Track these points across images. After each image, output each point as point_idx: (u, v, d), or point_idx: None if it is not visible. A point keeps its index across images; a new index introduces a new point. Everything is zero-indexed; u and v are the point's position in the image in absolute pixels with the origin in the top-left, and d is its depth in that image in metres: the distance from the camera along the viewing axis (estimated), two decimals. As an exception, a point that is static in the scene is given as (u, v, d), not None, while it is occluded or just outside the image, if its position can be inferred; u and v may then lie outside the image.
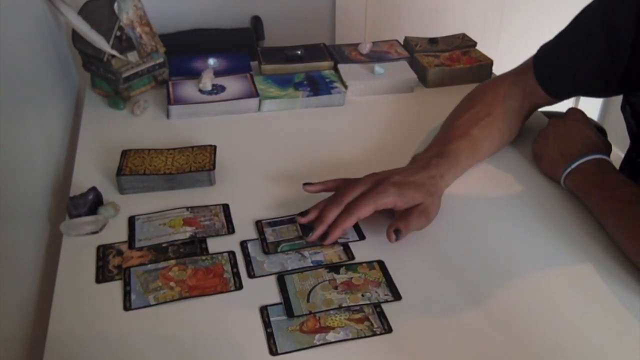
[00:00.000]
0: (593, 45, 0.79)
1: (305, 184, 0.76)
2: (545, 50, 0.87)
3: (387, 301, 0.64)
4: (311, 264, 0.69)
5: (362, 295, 0.64)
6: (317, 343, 0.59)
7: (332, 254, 0.70)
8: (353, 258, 0.70)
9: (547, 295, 0.66)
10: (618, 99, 0.86)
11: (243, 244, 0.72)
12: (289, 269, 0.68)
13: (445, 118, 0.90)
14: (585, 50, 0.81)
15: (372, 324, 0.61)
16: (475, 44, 1.21)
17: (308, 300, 0.64)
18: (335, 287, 0.66)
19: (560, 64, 0.85)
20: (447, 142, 0.82)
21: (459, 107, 0.90)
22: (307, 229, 0.72)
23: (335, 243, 0.72)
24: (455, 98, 0.93)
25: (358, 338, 0.60)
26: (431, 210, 0.73)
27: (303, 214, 0.72)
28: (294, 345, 0.59)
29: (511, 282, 0.67)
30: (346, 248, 0.71)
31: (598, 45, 0.78)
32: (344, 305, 0.63)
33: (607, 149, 0.82)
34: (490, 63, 1.14)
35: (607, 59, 0.78)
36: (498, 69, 1.13)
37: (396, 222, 0.70)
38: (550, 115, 0.96)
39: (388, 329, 0.61)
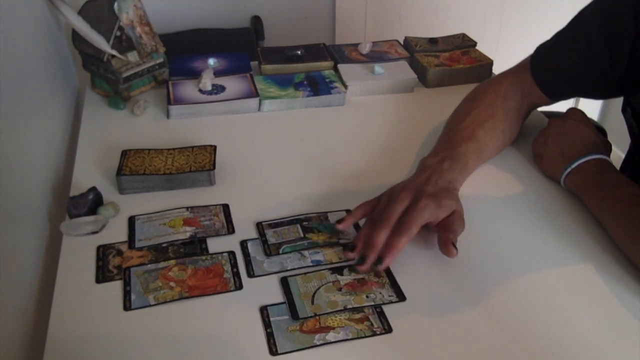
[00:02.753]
0: (592, 46, 0.79)
1: (338, 222, 0.72)
2: (543, 51, 0.87)
3: (392, 302, 0.64)
4: (311, 263, 0.69)
5: (367, 297, 0.64)
6: (317, 343, 0.59)
7: (331, 254, 0.70)
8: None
9: (549, 296, 0.65)
10: (618, 100, 0.86)
11: (243, 244, 0.72)
12: (289, 268, 0.68)
13: (447, 119, 0.90)
14: (583, 51, 0.80)
15: (372, 324, 0.61)
16: (475, 44, 1.21)
17: (312, 302, 0.64)
18: (340, 289, 0.65)
19: (558, 65, 0.84)
20: (455, 145, 0.81)
21: (461, 109, 0.89)
22: (357, 256, 0.69)
23: (335, 243, 0.72)
24: (455, 98, 0.93)
25: (358, 338, 0.60)
26: (463, 213, 0.73)
27: (351, 248, 0.69)
28: (294, 345, 0.59)
29: (512, 283, 0.67)
30: (346, 247, 0.71)
31: (597, 46, 0.78)
32: (348, 307, 0.63)
33: (607, 149, 0.82)
34: (490, 63, 1.14)
35: (606, 61, 0.78)
36: (498, 69, 1.13)
37: (446, 234, 0.69)
38: (550, 115, 0.96)
39: (388, 329, 0.61)
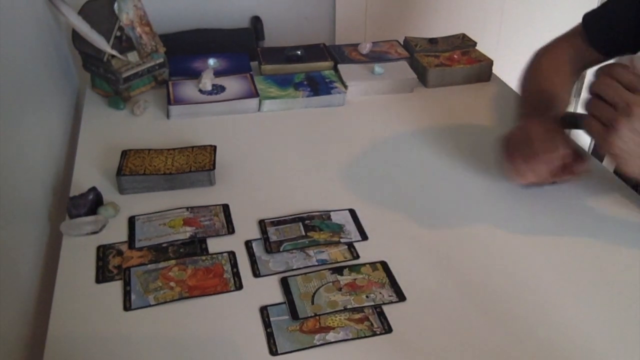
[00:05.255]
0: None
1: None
2: (593, 15, 0.93)
3: (392, 302, 0.64)
4: (316, 263, 0.69)
5: (367, 297, 0.64)
6: (317, 343, 0.59)
7: (336, 253, 0.70)
8: (358, 257, 0.70)
9: (550, 296, 0.65)
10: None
11: (248, 244, 0.72)
12: (294, 267, 0.68)
13: (522, 87, 0.94)
14: (633, 4, 0.85)
15: (372, 324, 0.61)
16: (475, 44, 1.21)
17: (312, 302, 0.64)
18: (340, 289, 0.65)
19: (611, 23, 0.90)
20: (549, 107, 0.85)
21: (535, 76, 0.93)
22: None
23: (338, 242, 0.72)
24: (455, 98, 0.93)
25: (358, 338, 0.60)
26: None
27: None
28: (294, 345, 0.59)
29: (512, 283, 0.67)
30: (350, 247, 0.72)
31: None
32: (348, 307, 0.63)
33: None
34: (490, 63, 1.14)
35: None
36: (498, 69, 1.13)
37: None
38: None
39: (388, 329, 0.61)
